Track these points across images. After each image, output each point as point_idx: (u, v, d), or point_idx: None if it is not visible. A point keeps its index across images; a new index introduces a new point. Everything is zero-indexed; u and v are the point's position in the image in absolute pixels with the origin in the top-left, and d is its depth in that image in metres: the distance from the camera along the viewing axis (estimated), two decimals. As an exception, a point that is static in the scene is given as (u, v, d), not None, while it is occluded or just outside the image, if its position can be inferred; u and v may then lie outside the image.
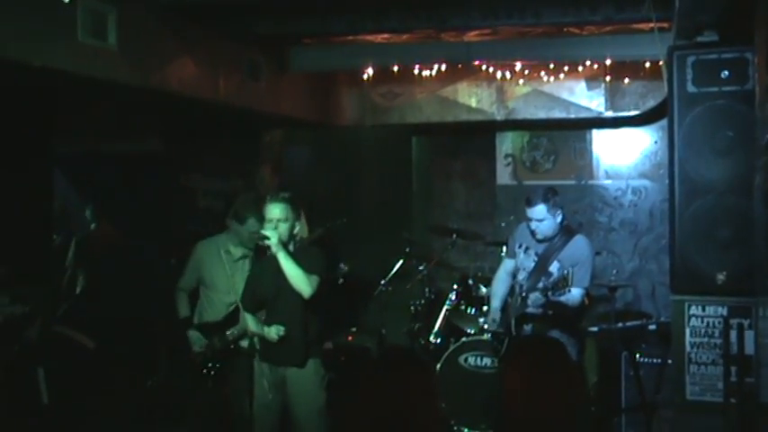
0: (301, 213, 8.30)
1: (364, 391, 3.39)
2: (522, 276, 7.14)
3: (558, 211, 6.94)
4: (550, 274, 6.81)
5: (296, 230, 6.40)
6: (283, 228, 6.26)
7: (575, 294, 6.70)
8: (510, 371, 3.49)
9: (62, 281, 8.03)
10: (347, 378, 8.02)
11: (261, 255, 7.08)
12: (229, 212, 7.43)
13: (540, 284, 6.78)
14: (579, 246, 6.94)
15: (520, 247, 7.20)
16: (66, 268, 8.04)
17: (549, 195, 6.95)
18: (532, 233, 6.98)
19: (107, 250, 8.19)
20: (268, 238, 6.14)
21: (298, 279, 6.17)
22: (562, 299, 6.70)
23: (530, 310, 6.91)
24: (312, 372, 6.39)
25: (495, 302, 7.43)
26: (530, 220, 6.94)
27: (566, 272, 6.48)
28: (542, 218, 6.88)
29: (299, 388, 6.36)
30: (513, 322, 7.05)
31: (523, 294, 6.96)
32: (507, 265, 7.45)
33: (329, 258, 6.60)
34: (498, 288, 7.47)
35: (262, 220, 7.13)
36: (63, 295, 8.04)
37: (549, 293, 6.58)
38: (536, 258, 7.03)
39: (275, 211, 6.28)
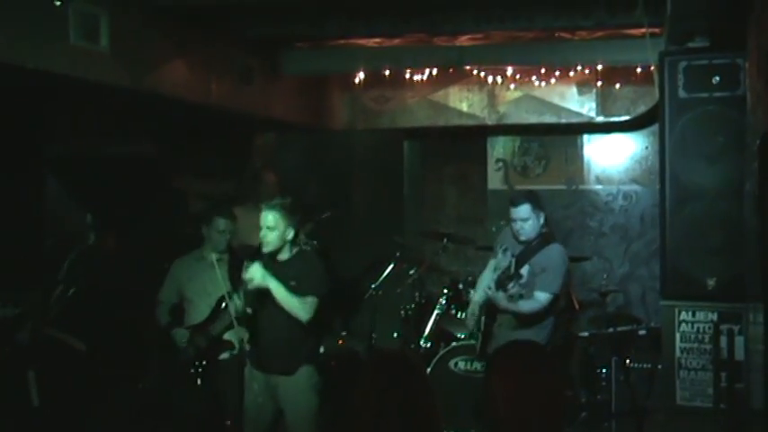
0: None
1: (357, 395, 3.39)
2: (496, 275, 7.20)
3: (541, 214, 6.99)
4: (520, 276, 6.89)
5: (289, 237, 6.31)
6: (272, 236, 6.17)
7: (538, 298, 6.79)
8: (495, 377, 3.49)
9: (54, 292, 8.01)
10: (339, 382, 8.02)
11: (236, 257, 7.21)
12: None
13: (510, 283, 6.93)
14: (552, 252, 6.94)
15: (501, 247, 7.27)
16: (58, 282, 8.02)
17: (533, 196, 7.04)
18: (516, 234, 7.02)
19: (104, 261, 8.18)
20: (251, 280, 6.09)
21: (292, 307, 6.10)
22: (525, 306, 6.84)
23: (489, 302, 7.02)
24: (304, 378, 6.36)
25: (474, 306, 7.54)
26: (514, 220, 6.98)
27: (536, 273, 6.74)
28: (527, 217, 6.91)
29: (291, 394, 6.32)
30: (482, 319, 7.15)
31: (489, 291, 7.04)
32: (490, 265, 7.50)
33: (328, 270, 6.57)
34: (477, 292, 7.55)
35: (229, 219, 7.25)
36: (55, 301, 8.03)
37: (516, 290, 6.78)
38: (512, 259, 7.09)
39: (268, 218, 6.18)
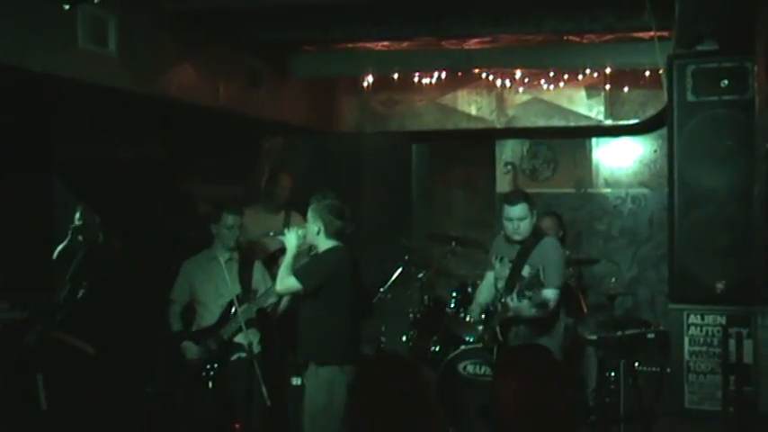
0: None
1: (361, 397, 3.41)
2: (500, 285, 7.13)
3: (534, 212, 6.99)
4: (523, 278, 6.84)
5: (313, 232, 6.56)
6: (308, 231, 6.61)
7: (548, 296, 6.67)
8: (503, 381, 3.49)
9: (62, 291, 8.03)
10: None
11: (247, 256, 7.48)
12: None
13: (516, 287, 6.81)
14: (547, 247, 6.92)
15: (496, 258, 7.22)
16: (67, 280, 8.04)
17: (528, 195, 7.06)
18: (511, 234, 6.97)
19: (111, 261, 8.18)
20: (283, 234, 6.69)
21: (279, 274, 6.56)
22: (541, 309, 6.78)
23: (511, 314, 6.89)
24: (312, 377, 6.41)
25: (474, 311, 7.45)
26: (510, 219, 6.93)
27: (537, 270, 6.58)
28: (524, 216, 6.88)
29: (306, 388, 6.55)
30: (498, 329, 7.07)
31: (502, 300, 6.95)
32: (488, 277, 7.41)
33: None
34: (480, 296, 7.45)
35: (238, 215, 7.38)
36: (63, 302, 8.04)
37: (526, 293, 6.59)
38: (510, 265, 7.04)
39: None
